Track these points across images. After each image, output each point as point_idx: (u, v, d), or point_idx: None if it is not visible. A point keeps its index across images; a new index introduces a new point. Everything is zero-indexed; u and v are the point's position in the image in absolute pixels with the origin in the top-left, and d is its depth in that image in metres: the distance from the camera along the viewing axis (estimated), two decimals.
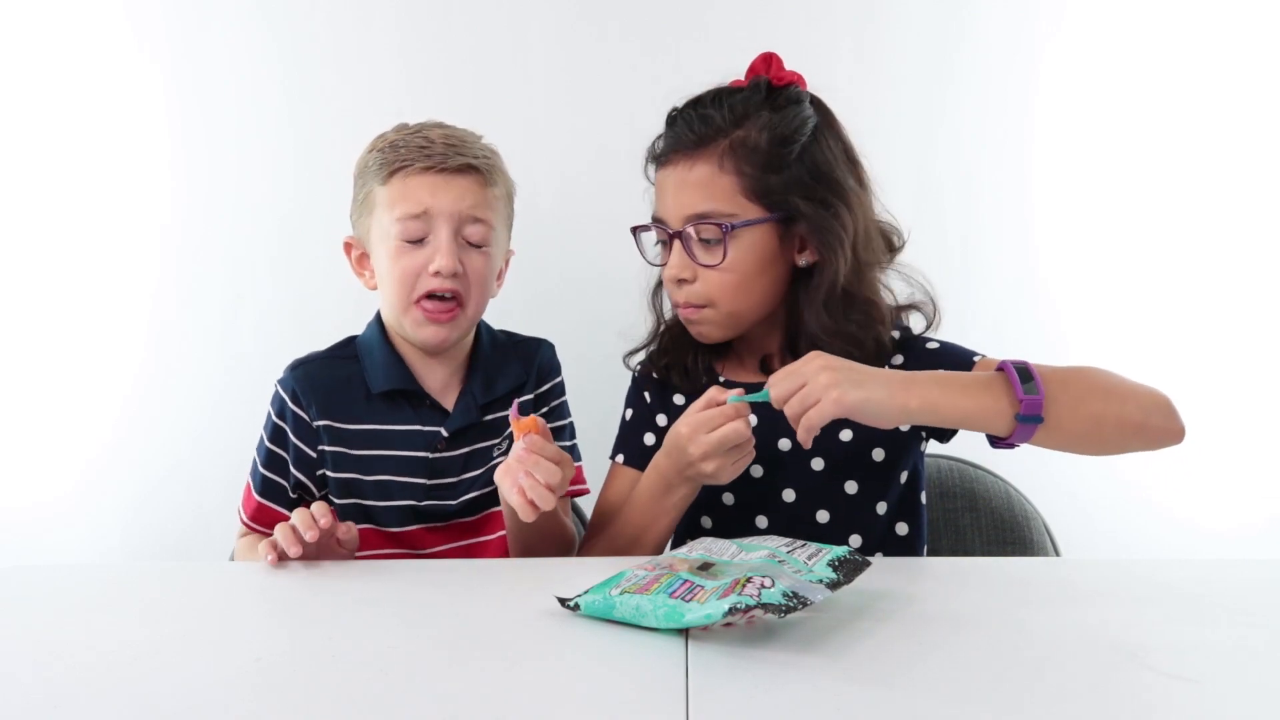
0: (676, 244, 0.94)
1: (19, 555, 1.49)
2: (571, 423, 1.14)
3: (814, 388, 0.77)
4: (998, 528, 1.13)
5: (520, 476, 0.83)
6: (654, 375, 1.06)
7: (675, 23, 1.48)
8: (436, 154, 0.97)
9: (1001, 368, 0.81)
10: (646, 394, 1.06)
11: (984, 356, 0.95)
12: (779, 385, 0.80)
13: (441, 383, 1.06)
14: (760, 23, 1.47)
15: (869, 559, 0.71)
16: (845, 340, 0.93)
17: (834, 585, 0.65)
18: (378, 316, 1.08)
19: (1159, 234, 1.52)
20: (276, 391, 1.04)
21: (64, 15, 1.47)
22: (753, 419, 0.86)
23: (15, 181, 1.49)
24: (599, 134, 1.49)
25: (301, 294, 1.49)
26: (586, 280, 1.51)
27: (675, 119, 0.97)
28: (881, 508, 0.98)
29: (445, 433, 1.03)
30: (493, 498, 1.04)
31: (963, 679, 0.56)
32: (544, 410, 1.10)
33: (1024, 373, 0.79)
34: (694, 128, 0.94)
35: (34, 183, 1.49)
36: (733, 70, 1.02)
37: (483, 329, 1.11)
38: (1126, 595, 0.75)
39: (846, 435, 0.97)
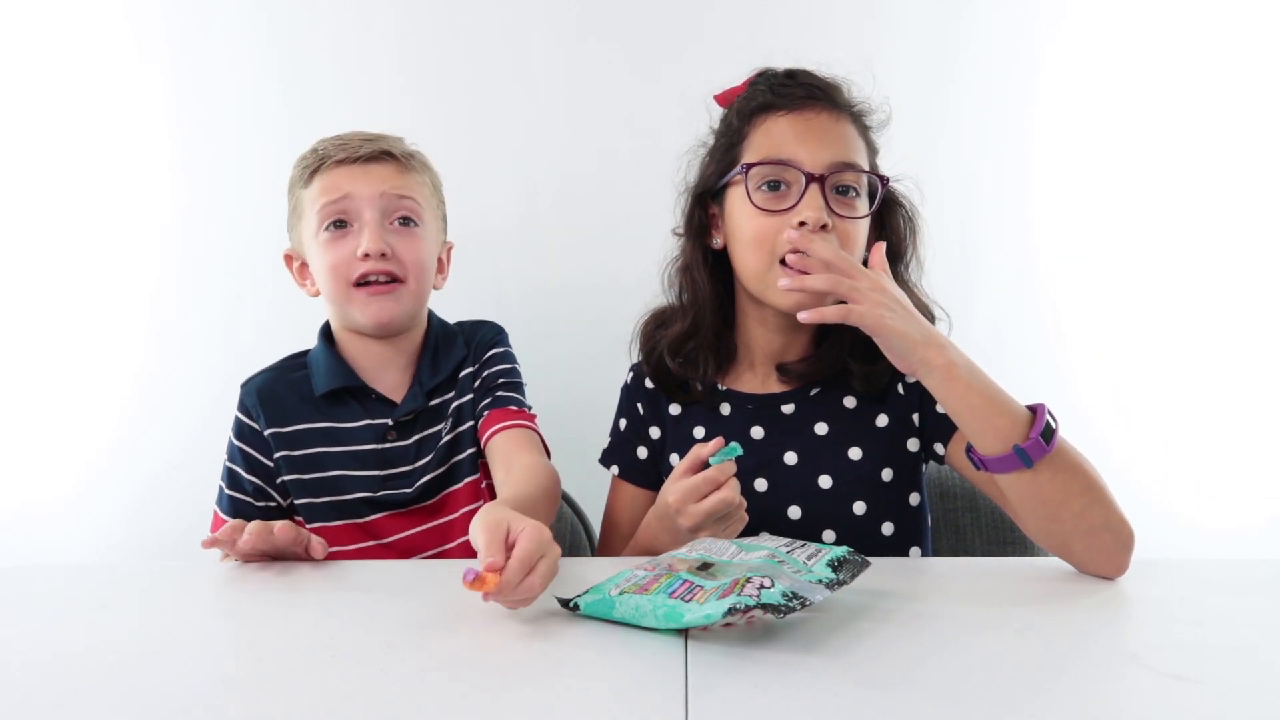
0: (814, 189, 0.89)
1: (19, 555, 1.49)
2: (519, 381, 1.11)
3: (864, 294, 0.77)
4: (998, 528, 1.13)
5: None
6: (647, 384, 1.05)
7: (674, 25, 1.48)
8: (352, 146, 1.02)
9: (1034, 409, 0.78)
10: (640, 405, 1.05)
11: None
12: (844, 261, 0.79)
13: (393, 380, 1.08)
14: (759, 24, 1.48)
15: (868, 559, 0.71)
16: None
17: (833, 585, 0.65)
18: (324, 328, 1.11)
19: (1159, 234, 1.52)
20: (235, 415, 1.07)
21: (64, 17, 1.47)
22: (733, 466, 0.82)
23: (16, 182, 1.49)
24: (598, 136, 1.49)
25: (301, 294, 1.49)
26: (586, 281, 1.51)
27: (795, 73, 0.96)
28: (888, 529, 0.96)
29: (391, 421, 1.05)
30: (448, 479, 1.06)
31: (962, 679, 0.56)
32: (485, 373, 1.09)
33: (1049, 428, 0.77)
34: (828, 86, 0.94)
35: (35, 183, 1.49)
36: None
37: (434, 321, 1.13)
38: (1126, 595, 0.75)
39: (856, 454, 0.96)
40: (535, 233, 1.51)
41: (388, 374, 1.08)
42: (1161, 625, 0.68)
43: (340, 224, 1.01)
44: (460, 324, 1.16)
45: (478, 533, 0.68)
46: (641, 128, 1.48)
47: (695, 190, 1.00)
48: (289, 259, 1.10)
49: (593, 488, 1.11)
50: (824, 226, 0.88)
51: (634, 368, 1.08)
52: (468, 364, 1.10)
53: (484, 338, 1.12)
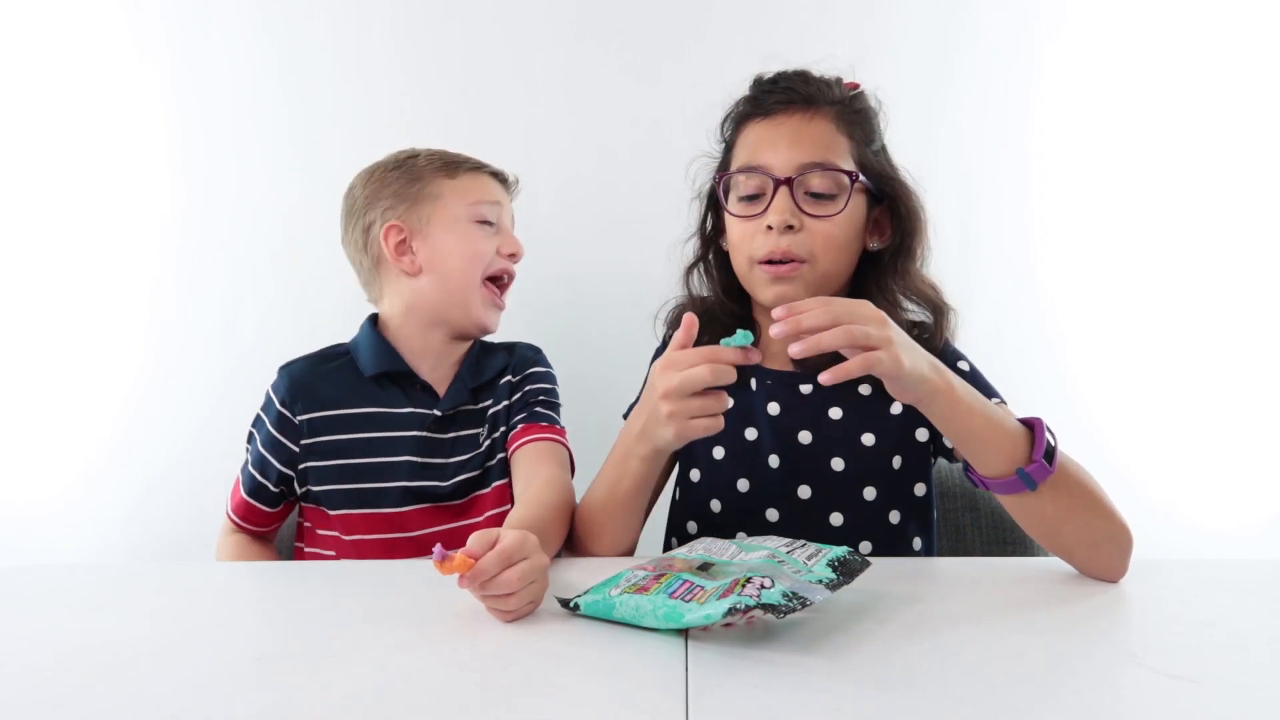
0: (782, 192, 0.92)
1: (19, 554, 1.49)
2: (556, 402, 1.15)
3: (880, 337, 0.72)
4: (998, 528, 1.13)
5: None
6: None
7: (675, 24, 1.48)
8: (494, 168, 1.16)
9: (1034, 426, 0.77)
10: None
11: (1001, 403, 0.93)
12: (834, 308, 0.73)
13: (439, 375, 1.12)
14: (759, 24, 1.48)
15: (869, 559, 0.71)
16: (909, 329, 0.94)
17: (834, 585, 0.65)
18: (368, 322, 1.14)
19: (1159, 234, 1.52)
20: (267, 394, 1.10)
21: (64, 17, 1.47)
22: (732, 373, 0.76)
23: (16, 182, 1.49)
24: (599, 135, 1.49)
25: (301, 294, 1.49)
26: (587, 281, 1.51)
27: (777, 79, 0.97)
28: (895, 517, 0.97)
29: (439, 412, 1.08)
30: (480, 482, 1.09)
31: (962, 679, 0.56)
32: (526, 388, 1.13)
33: (1050, 448, 0.76)
34: (808, 86, 0.95)
35: (34, 183, 1.49)
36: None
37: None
38: (1126, 595, 0.75)
39: (869, 439, 0.96)
40: (535, 234, 1.50)
41: (436, 369, 1.13)
42: (1161, 625, 0.68)
43: (488, 223, 1.12)
44: (499, 344, 1.20)
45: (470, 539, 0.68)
46: (642, 128, 1.48)
47: (706, 196, 1.04)
48: (394, 230, 1.09)
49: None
50: (790, 228, 0.91)
51: (666, 334, 1.08)
52: (508, 373, 1.14)
53: (525, 353, 1.18)
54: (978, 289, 1.51)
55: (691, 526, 1.01)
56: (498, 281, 1.13)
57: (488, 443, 1.10)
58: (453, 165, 1.12)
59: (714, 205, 1.03)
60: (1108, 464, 0.93)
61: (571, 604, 0.69)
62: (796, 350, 0.73)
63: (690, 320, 0.79)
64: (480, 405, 1.12)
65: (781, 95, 0.95)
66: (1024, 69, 1.50)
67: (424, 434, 1.08)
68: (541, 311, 1.50)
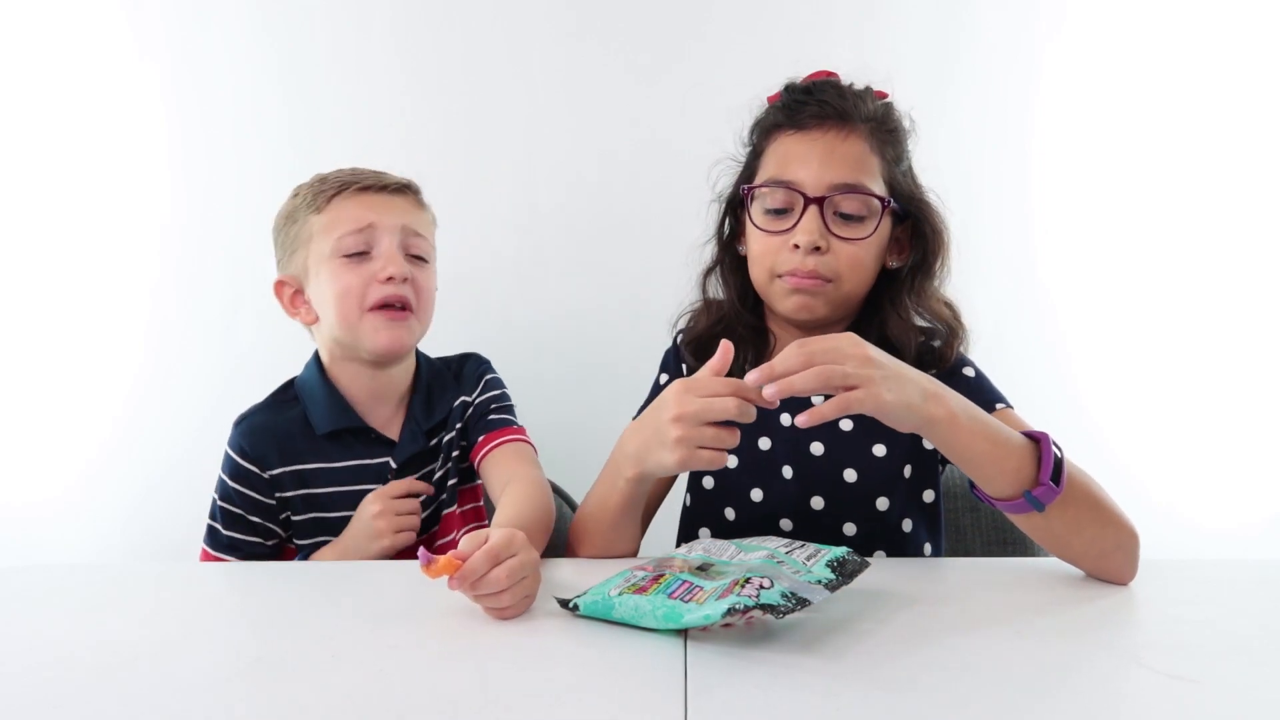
0: (812, 211, 0.90)
1: (19, 554, 1.49)
2: (510, 404, 1.13)
3: (858, 375, 0.70)
4: (998, 528, 1.13)
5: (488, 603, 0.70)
6: (695, 354, 1.02)
7: (675, 25, 1.48)
8: (368, 177, 1.03)
9: (1039, 441, 0.75)
10: (684, 366, 1.04)
11: (1007, 408, 0.92)
12: (810, 347, 0.71)
13: (385, 417, 1.08)
14: (759, 24, 1.48)
15: (868, 559, 0.71)
16: (919, 339, 0.94)
17: (833, 586, 0.65)
18: (314, 359, 1.09)
19: (1159, 234, 1.52)
20: (226, 452, 1.04)
21: (64, 17, 1.47)
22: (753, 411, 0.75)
23: (16, 182, 1.49)
24: (600, 135, 1.49)
25: None
26: (589, 281, 1.51)
27: (811, 89, 0.94)
28: (907, 525, 0.97)
29: (394, 464, 1.05)
30: (435, 518, 1.08)
31: (962, 679, 0.56)
32: (477, 401, 1.10)
33: (1058, 462, 0.74)
34: (844, 101, 0.92)
35: (35, 183, 1.49)
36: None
37: (421, 360, 1.13)
38: (1128, 596, 0.75)
39: (880, 450, 0.96)
40: (535, 233, 1.51)
41: (382, 408, 1.08)
42: (1162, 626, 0.68)
43: (360, 254, 1.00)
44: (444, 360, 1.16)
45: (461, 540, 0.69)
46: (642, 128, 1.48)
47: (726, 200, 1.02)
48: (280, 286, 1.06)
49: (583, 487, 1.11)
50: (817, 249, 0.90)
51: (678, 335, 1.07)
52: (462, 393, 1.11)
53: (470, 371, 1.14)
54: (978, 289, 1.50)
55: (704, 533, 1.00)
56: (389, 307, 1.00)
57: (441, 472, 1.08)
58: (320, 195, 1.01)
59: (731, 210, 1.02)
60: (1108, 464, 0.93)
61: (571, 604, 0.69)
62: (770, 393, 0.70)
63: (727, 347, 0.77)
64: (433, 443, 1.08)
65: (816, 108, 0.92)
66: (1024, 69, 1.50)
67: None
68: (541, 311, 1.51)
